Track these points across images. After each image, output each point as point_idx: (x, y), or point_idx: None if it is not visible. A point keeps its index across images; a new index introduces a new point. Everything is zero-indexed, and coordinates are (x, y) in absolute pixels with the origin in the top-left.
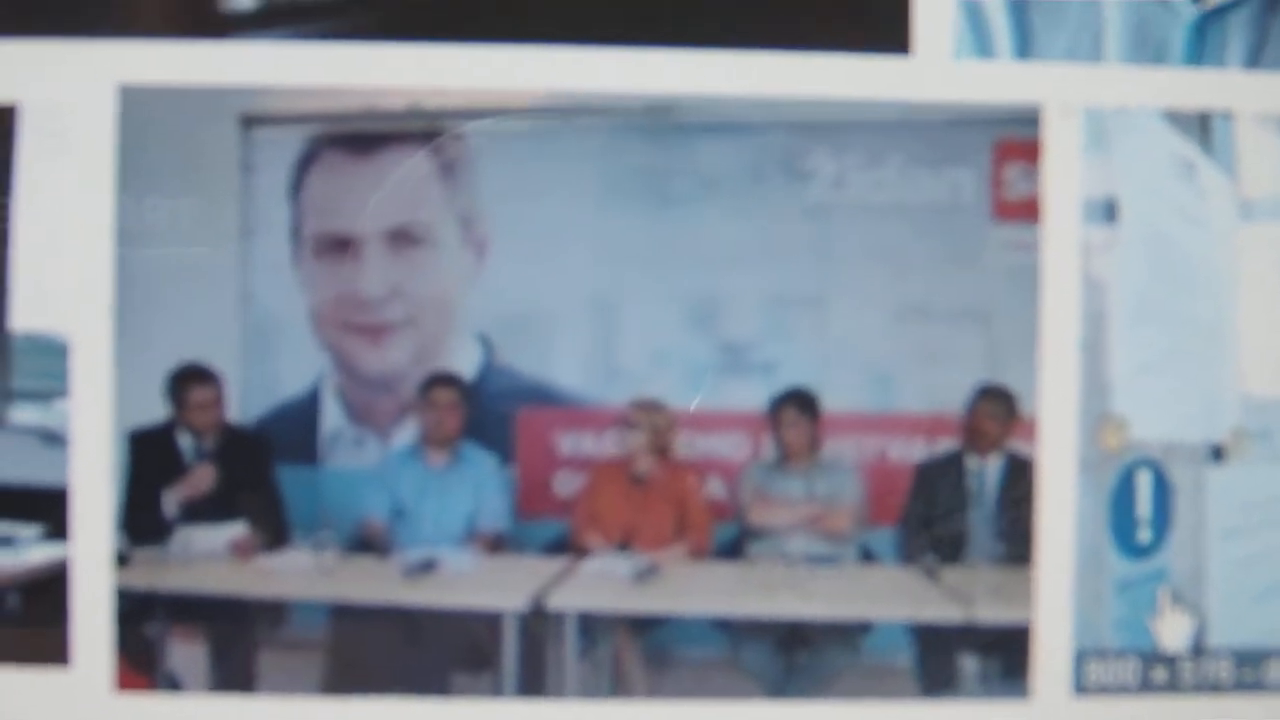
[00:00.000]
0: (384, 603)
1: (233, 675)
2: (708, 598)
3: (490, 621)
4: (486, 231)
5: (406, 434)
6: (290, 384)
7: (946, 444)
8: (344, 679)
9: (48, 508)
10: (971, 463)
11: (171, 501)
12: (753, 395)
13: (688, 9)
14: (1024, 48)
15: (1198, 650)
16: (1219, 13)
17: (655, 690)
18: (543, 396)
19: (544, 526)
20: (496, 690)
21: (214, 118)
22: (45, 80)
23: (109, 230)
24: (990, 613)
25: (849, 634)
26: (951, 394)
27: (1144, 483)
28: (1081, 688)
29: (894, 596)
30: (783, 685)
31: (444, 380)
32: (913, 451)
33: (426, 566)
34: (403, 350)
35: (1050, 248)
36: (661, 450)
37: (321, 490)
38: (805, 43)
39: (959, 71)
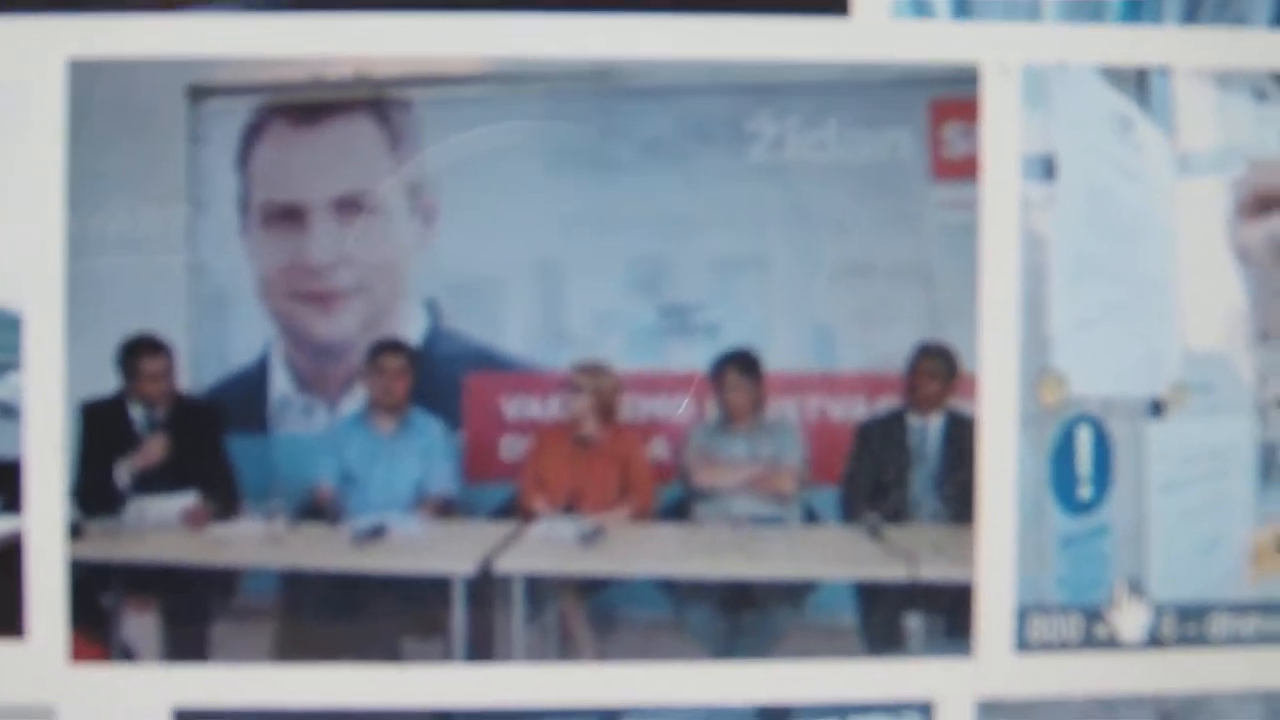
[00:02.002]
0: (334, 569)
1: (186, 644)
2: (653, 559)
3: (439, 586)
4: (434, 198)
5: (355, 401)
6: (240, 353)
7: (888, 403)
8: (296, 646)
9: (1, 480)
10: (913, 421)
11: (124, 472)
12: (697, 357)
13: None
14: (962, 7)
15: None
16: None
17: (602, 652)
18: (489, 361)
19: (491, 490)
20: (446, 655)
21: (162, 90)
22: None
23: (60, 204)
24: (933, 570)
25: (794, 594)
26: (892, 353)
27: (1084, 439)
28: (1024, 644)
29: (838, 556)
30: (728, 646)
31: (391, 347)
32: (855, 411)
33: (376, 532)
34: (352, 317)
35: (989, 205)
36: (606, 413)
37: (271, 458)
38: (745, 5)
39: (897, 31)
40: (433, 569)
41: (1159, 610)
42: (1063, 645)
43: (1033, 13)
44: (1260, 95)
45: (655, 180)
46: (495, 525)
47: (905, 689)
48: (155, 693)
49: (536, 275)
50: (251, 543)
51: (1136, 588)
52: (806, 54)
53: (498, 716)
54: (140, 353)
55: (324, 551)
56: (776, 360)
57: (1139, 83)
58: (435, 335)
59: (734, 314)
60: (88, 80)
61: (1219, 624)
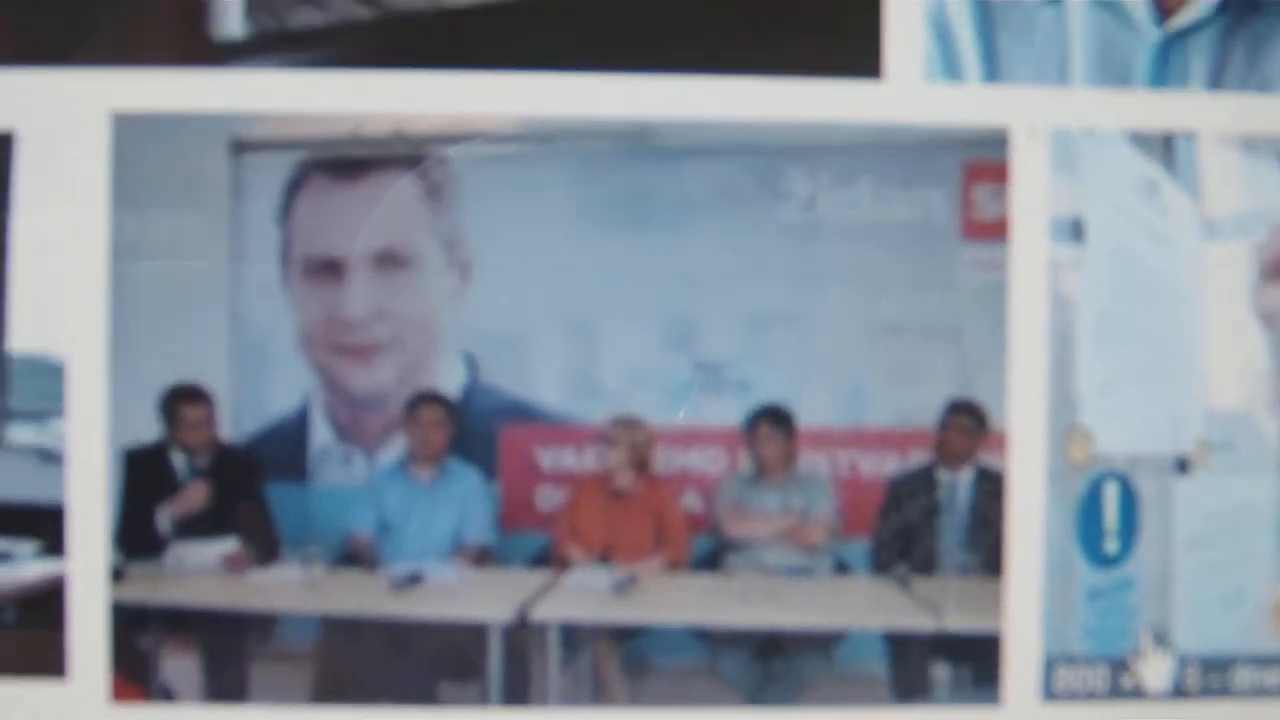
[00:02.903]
0: (371, 615)
1: (225, 686)
2: (686, 608)
3: (475, 633)
4: (470, 253)
5: (393, 451)
6: (280, 403)
7: (918, 458)
8: (333, 689)
9: (45, 524)
10: (943, 476)
11: (165, 518)
12: (729, 412)
13: (665, 35)
14: (992, 71)
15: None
16: (1182, 35)
17: (635, 699)
18: (525, 414)
19: (527, 540)
20: (482, 699)
21: (205, 144)
22: (41, 108)
23: (104, 254)
24: (961, 621)
25: (824, 643)
26: (923, 409)
27: (1111, 494)
28: (1051, 694)
29: (868, 606)
30: (759, 693)
31: (430, 399)
32: (885, 465)
33: (413, 579)
34: (389, 370)
35: (1018, 266)
36: (640, 465)
37: (310, 506)
38: (780, 68)
39: (929, 95)
40: (469, 616)
41: (1183, 661)
42: (1089, 695)
43: (1062, 77)
44: None
45: (689, 238)
46: (531, 574)
47: None
48: None
49: (571, 330)
50: (290, 588)
51: (1161, 639)
52: (840, 115)
53: None
54: (182, 401)
55: (362, 598)
56: (809, 416)
57: (1165, 147)
58: (473, 388)
59: (766, 370)
60: (131, 133)
61: (1242, 676)
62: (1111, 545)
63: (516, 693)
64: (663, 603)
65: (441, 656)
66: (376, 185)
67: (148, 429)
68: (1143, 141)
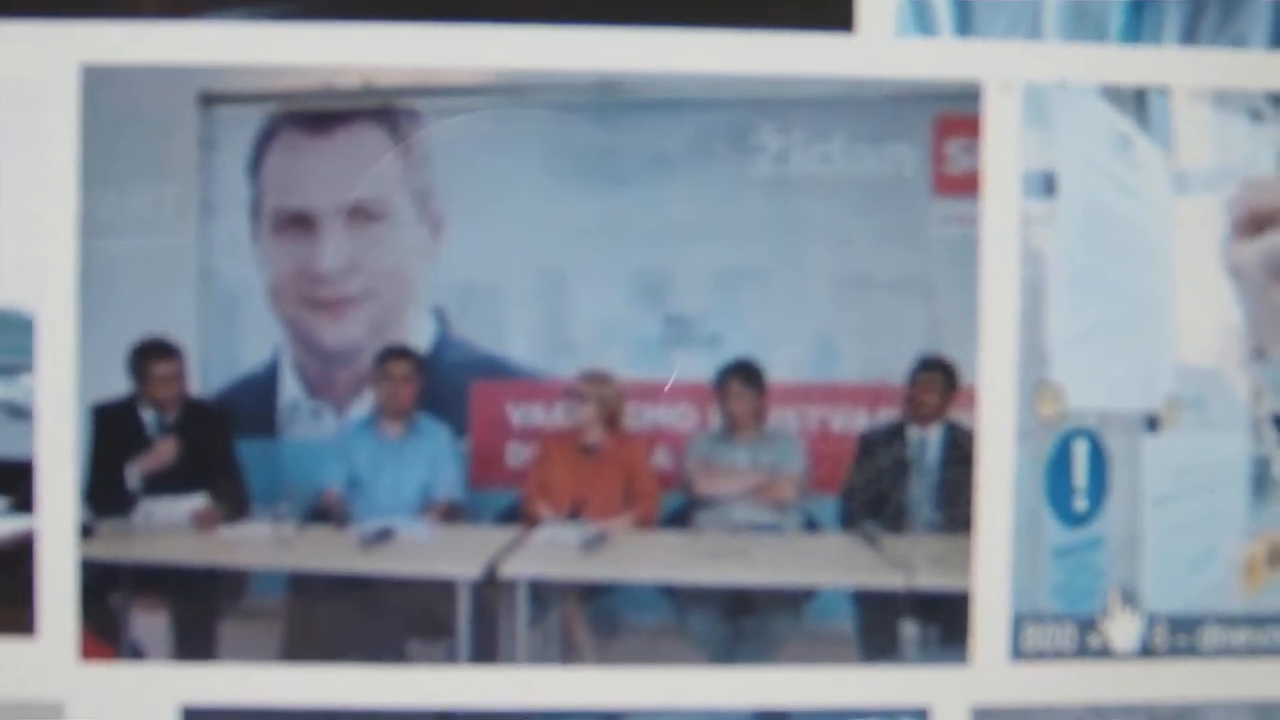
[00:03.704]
0: (341, 571)
1: (195, 644)
2: (655, 566)
3: (444, 589)
4: (441, 207)
5: (363, 406)
6: (249, 358)
7: (888, 414)
8: (303, 646)
9: (13, 481)
10: (912, 432)
11: (134, 474)
12: (699, 367)
13: None
14: (965, 25)
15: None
16: None
17: (603, 657)
18: (495, 369)
19: (496, 496)
20: (450, 657)
21: (175, 96)
22: (9, 60)
23: (73, 208)
24: (930, 579)
25: (793, 601)
26: (893, 365)
27: (1080, 451)
28: (1019, 652)
29: (837, 564)
30: (728, 651)
31: (399, 353)
32: (855, 422)
33: (382, 536)
34: (360, 324)
35: (990, 221)
36: (610, 421)
37: (280, 462)
38: (751, 21)
39: (901, 49)
40: (438, 572)
41: (1151, 621)
42: (1057, 654)
43: (1034, 31)
44: (1256, 115)
45: (660, 192)
46: (500, 530)
47: (901, 696)
48: (163, 691)
49: (542, 284)
50: (260, 544)
51: (1130, 598)
52: (811, 69)
53: (500, 718)
54: (151, 356)
55: (331, 554)
56: (778, 371)
57: (1138, 102)
58: (443, 342)
59: (737, 325)
60: (101, 85)
61: (1210, 635)
62: (1081, 503)
63: (485, 650)
64: (632, 560)
65: (410, 613)
66: (347, 138)
67: (117, 384)
68: (1115, 96)
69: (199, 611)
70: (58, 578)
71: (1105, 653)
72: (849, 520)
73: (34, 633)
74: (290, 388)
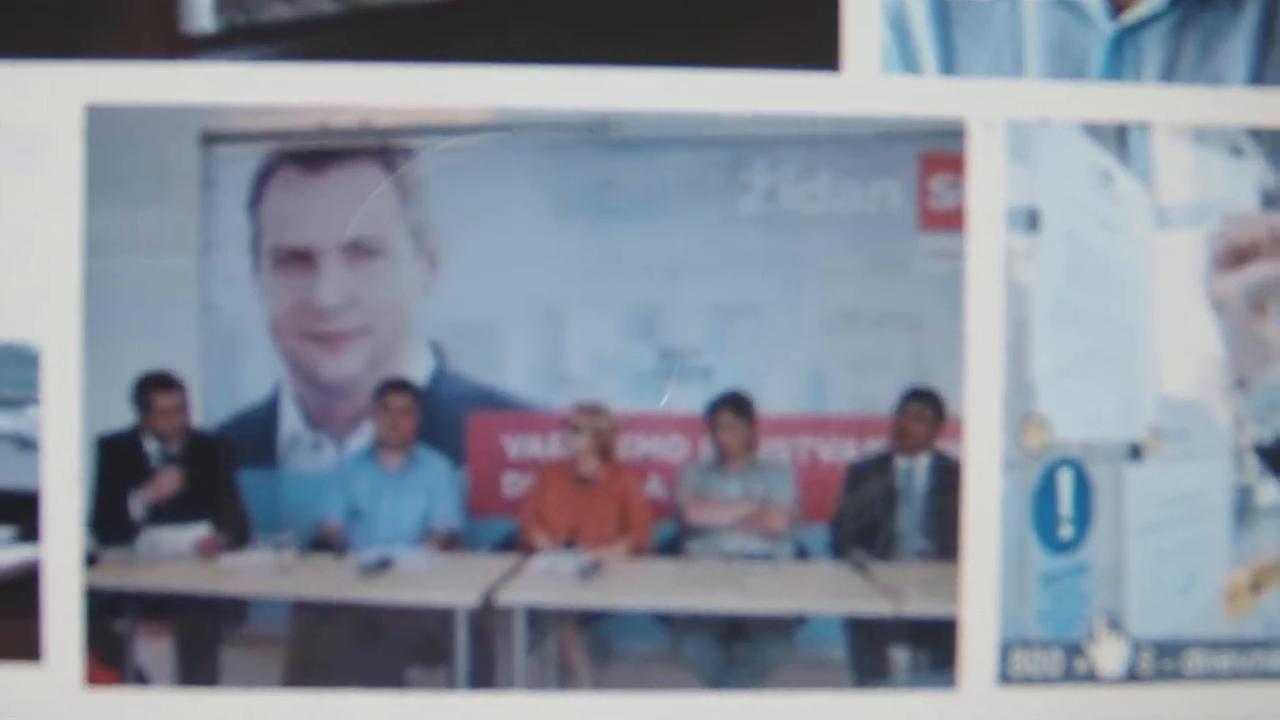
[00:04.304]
0: (342, 599)
1: (198, 670)
2: (649, 593)
3: (443, 617)
4: (438, 243)
5: (362, 438)
6: (251, 391)
7: (877, 444)
8: (304, 673)
9: (20, 510)
10: (901, 462)
11: (138, 504)
12: (691, 399)
13: (629, 29)
14: (948, 64)
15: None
16: (1135, 29)
17: (599, 682)
18: (492, 401)
19: (494, 525)
20: (449, 683)
21: (176, 135)
22: (15, 101)
23: (77, 244)
24: (919, 606)
25: (784, 627)
26: (881, 397)
27: (1065, 481)
28: (1007, 677)
29: (827, 591)
30: (722, 677)
31: (398, 386)
32: (845, 452)
33: (382, 564)
34: (358, 357)
35: (975, 255)
36: (604, 452)
37: (281, 492)
38: (741, 61)
39: (886, 87)
40: (437, 600)
41: (1137, 646)
42: (1044, 679)
43: (1017, 69)
44: (1236, 151)
45: (653, 227)
46: (497, 559)
47: None
48: (167, 716)
49: (537, 319)
50: (261, 573)
51: (1115, 624)
52: (799, 108)
53: None
54: (154, 389)
55: (332, 582)
56: (769, 403)
57: (1119, 138)
58: (440, 376)
59: (728, 358)
60: (104, 125)
61: (1194, 660)
62: (1066, 531)
63: (483, 676)
64: (626, 587)
65: (410, 640)
66: (345, 176)
67: (121, 416)
68: (1097, 133)
69: (202, 638)
70: (63, 605)
71: (1091, 677)
72: (839, 548)
73: (40, 659)
74: (291, 420)
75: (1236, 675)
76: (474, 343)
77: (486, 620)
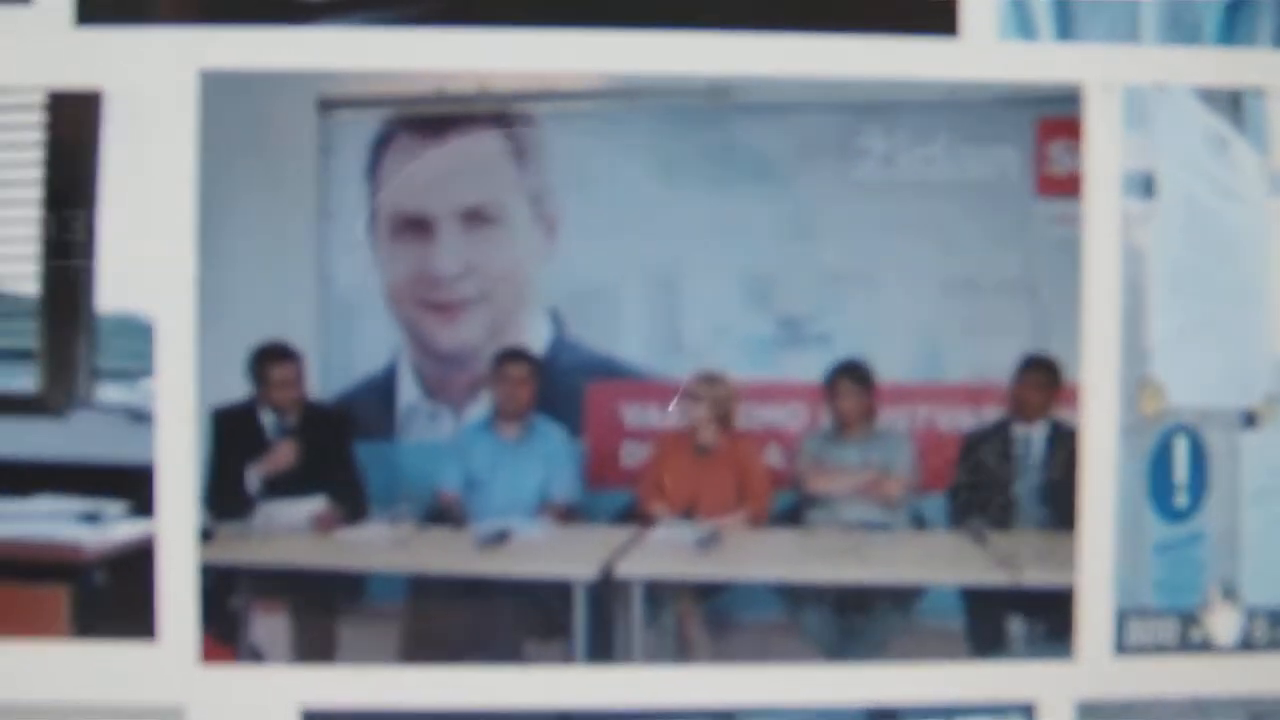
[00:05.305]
0: (459, 573)
1: (314, 645)
2: (768, 564)
3: (560, 590)
4: (555, 210)
5: (480, 408)
6: (368, 361)
7: (994, 413)
8: (421, 647)
9: (134, 485)
10: (1018, 430)
11: (254, 477)
12: (809, 367)
13: None
14: (1065, 29)
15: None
16: None
17: (718, 654)
18: (610, 370)
19: (612, 496)
20: (567, 657)
21: (292, 102)
22: (129, 67)
23: (191, 213)
24: (1036, 576)
25: (903, 598)
26: (998, 364)
27: (1181, 448)
28: (1123, 647)
29: (944, 561)
30: (840, 648)
31: (516, 355)
32: (962, 420)
33: (499, 537)
34: (476, 326)
35: (1091, 221)
36: (723, 421)
37: (398, 464)
38: (857, 25)
39: (1003, 52)
40: (555, 573)
41: (1251, 614)
42: (1159, 648)
43: (1133, 35)
44: None
45: (769, 195)
46: (615, 530)
47: (1008, 690)
48: (283, 693)
49: (654, 286)
50: (378, 546)
51: (1230, 592)
52: (916, 73)
53: (617, 717)
54: (270, 360)
55: (449, 555)
56: (886, 371)
57: (1234, 104)
58: (558, 344)
59: (845, 326)
60: (219, 91)
61: None
62: (1181, 499)
63: (601, 649)
64: (745, 558)
65: (527, 613)
66: (462, 142)
67: (236, 388)
68: (1212, 98)
69: (318, 613)
70: (178, 581)
71: (1206, 646)
72: (956, 517)
73: (155, 636)
74: (408, 390)
75: None
76: (592, 310)
77: (605, 592)
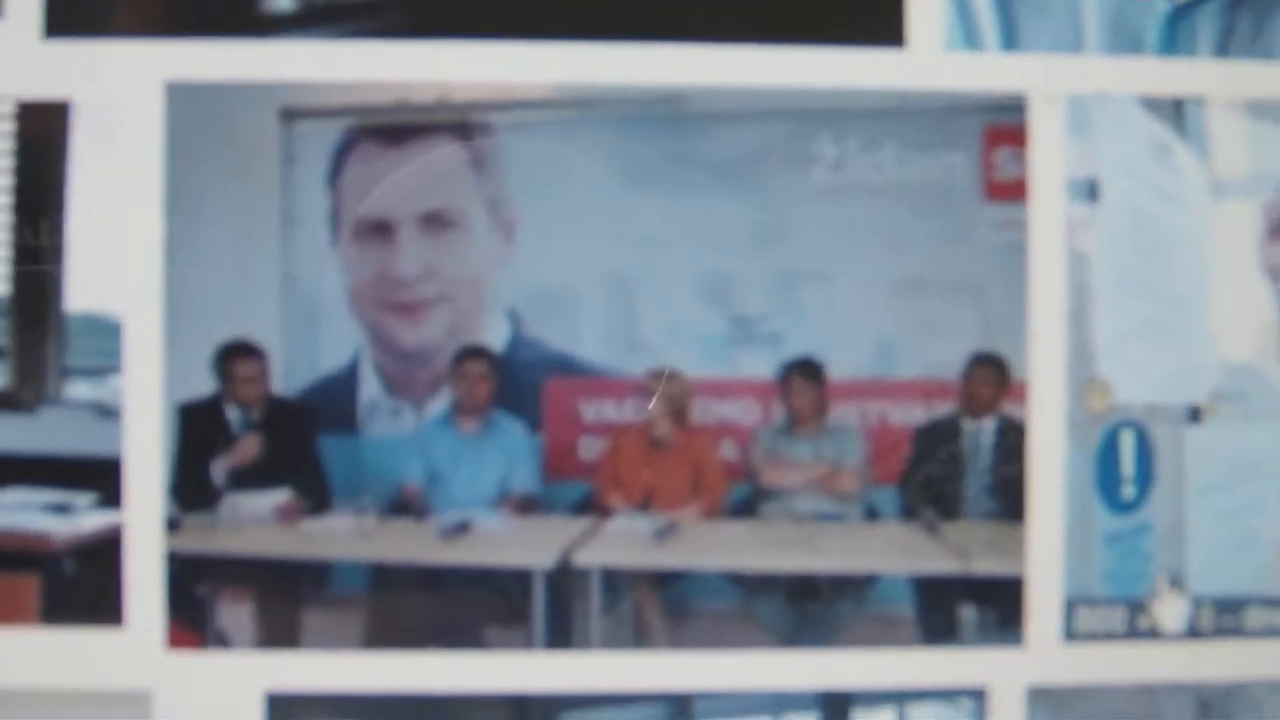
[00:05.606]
0: (421, 562)
1: (279, 632)
2: (723, 554)
3: (520, 578)
4: (513, 214)
5: (440, 404)
6: (330, 359)
7: (944, 408)
8: (383, 635)
9: (102, 477)
10: (967, 425)
11: (220, 470)
12: (762, 364)
13: (698, 5)
14: (1010, 40)
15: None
16: (1190, 7)
17: (674, 641)
18: (568, 367)
19: (570, 488)
20: (527, 643)
21: (256, 112)
22: (97, 78)
23: (158, 218)
24: (986, 565)
25: (855, 586)
26: (948, 361)
27: (1127, 442)
28: (1072, 634)
29: (897, 551)
30: (794, 635)
31: (475, 353)
32: (913, 415)
33: (460, 528)
34: (437, 325)
35: (1037, 225)
36: (678, 416)
37: (361, 458)
38: (808, 37)
39: (950, 62)
40: (514, 562)
41: (1198, 603)
42: (1108, 635)
43: (1076, 45)
44: None
45: (723, 199)
46: (574, 521)
47: (959, 676)
48: (248, 678)
49: (611, 287)
50: (342, 537)
51: (1177, 582)
52: (865, 82)
53: (575, 701)
54: (235, 357)
55: (411, 545)
56: (839, 368)
57: (1176, 111)
58: (517, 342)
59: (798, 324)
60: (185, 101)
61: (1254, 616)
62: (1128, 491)
63: (560, 636)
64: (701, 548)
65: (488, 602)
66: (422, 150)
67: (202, 384)
68: (1154, 106)
69: (283, 601)
70: (145, 570)
71: (1154, 634)
72: (908, 509)
73: (122, 623)
74: (370, 387)
75: None
76: (549, 311)
77: (563, 581)
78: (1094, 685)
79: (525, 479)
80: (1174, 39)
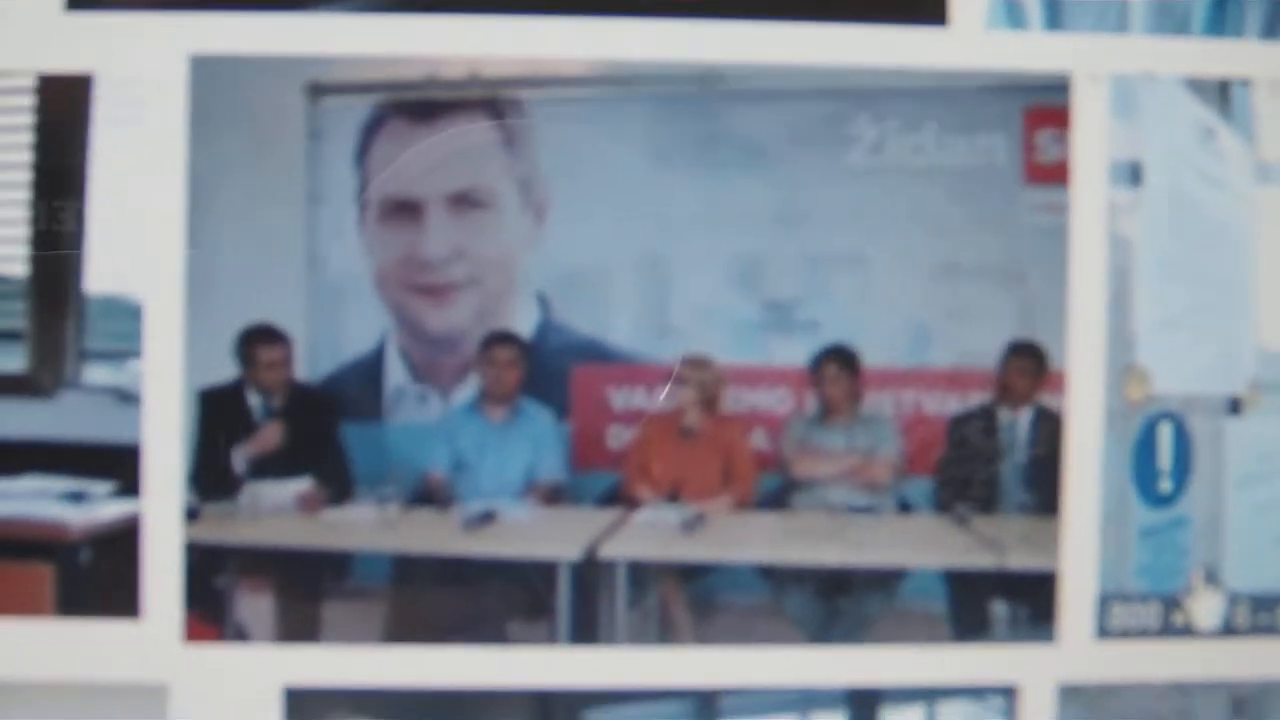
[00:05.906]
0: (444, 553)
1: (298, 625)
2: (752, 546)
3: (545, 570)
4: (545, 195)
5: (467, 390)
6: (356, 343)
7: (979, 398)
8: (405, 627)
9: (121, 465)
10: (1003, 415)
11: (240, 458)
12: (796, 352)
13: None
14: (1053, 18)
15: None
16: None
17: (701, 635)
18: (597, 353)
19: (598, 478)
20: (551, 637)
21: (281, 87)
22: (119, 51)
23: (180, 196)
24: (1019, 559)
25: (886, 580)
26: (984, 350)
27: (1165, 434)
28: (1105, 630)
29: (929, 544)
30: (823, 630)
31: (503, 338)
32: (947, 405)
33: (485, 518)
34: (465, 309)
35: (1078, 209)
36: (709, 404)
37: (385, 445)
38: (847, 14)
39: (992, 41)
40: (540, 554)
41: (1233, 599)
42: (1141, 632)
43: (1121, 25)
44: None
45: (758, 180)
46: (601, 512)
47: (990, 673)
48: (267, 671)
49: (643, 271)
50: (364, 527)
51: (1212, 578)
52: (906, 61)
53: (599, 697)
54: (258, 342)
55: (435, 536)
56: (873, 356)
57: (1221, 93)
58: (546, 328)
59: (832, 311)
60: (208, 76)
61: None
62: (1165, 484)
63: (585, 630)
64: (730, 540)
65: (512, 594)
66: (453, 127)
67: (223, 370)
68: (1199, 88)
69: (303, 593)
70: (163, 560)
71: (1188, 631)
72: (941, 501)
73: (140, 615)
74: (396, 372)
75: None
76: (580, 295)
77: (589, 574)
78: (1127, 683)
79: (552, 468)
80: (1221, 19)
